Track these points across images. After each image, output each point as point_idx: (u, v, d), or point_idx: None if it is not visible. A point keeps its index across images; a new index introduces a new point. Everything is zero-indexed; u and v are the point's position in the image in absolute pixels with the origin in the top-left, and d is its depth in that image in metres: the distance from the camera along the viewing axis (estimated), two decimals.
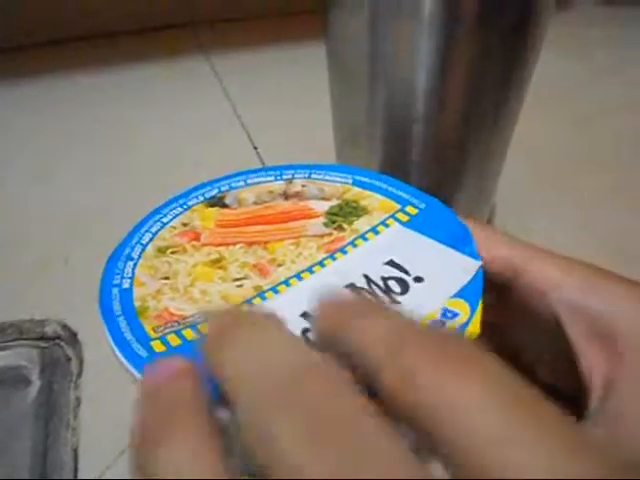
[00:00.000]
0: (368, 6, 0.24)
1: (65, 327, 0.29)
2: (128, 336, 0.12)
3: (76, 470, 0.23)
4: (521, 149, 0.36)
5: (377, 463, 0.07)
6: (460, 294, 0.13)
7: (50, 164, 0.41)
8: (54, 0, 0.57)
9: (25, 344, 0.29)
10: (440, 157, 0.27)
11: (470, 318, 0.12)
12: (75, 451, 0.24)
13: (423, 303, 0.13)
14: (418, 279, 0.13)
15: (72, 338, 0.29)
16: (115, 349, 0.12)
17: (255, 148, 0.41)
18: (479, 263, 0.13)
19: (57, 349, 0.29)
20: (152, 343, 0.12)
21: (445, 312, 0.12)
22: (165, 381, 0.10)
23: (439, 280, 0.13)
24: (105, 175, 0.41)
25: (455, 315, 0.12)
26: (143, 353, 0.12)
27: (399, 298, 0.13)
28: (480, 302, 0.12)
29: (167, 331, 0.12)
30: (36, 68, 0.54)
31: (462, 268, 0.13)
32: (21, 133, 0.44)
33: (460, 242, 0.14)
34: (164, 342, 0.12)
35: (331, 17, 0.27)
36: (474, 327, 0.12)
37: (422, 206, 0.16)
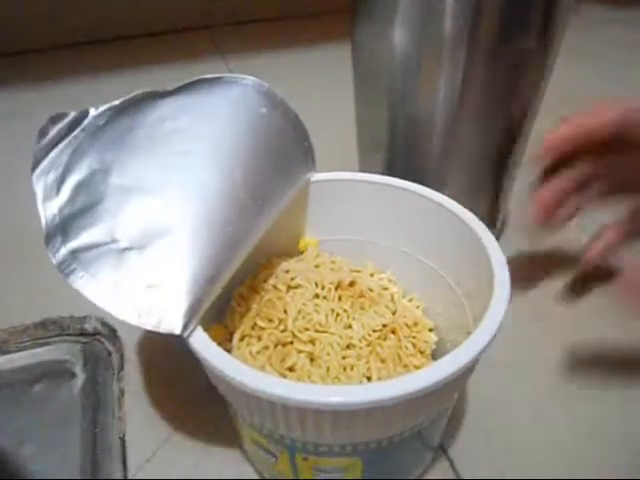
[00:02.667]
0: (396, 24, 0.25)
1: (104, 324, 0.31)
2: None
3: (124, 456, 0.25)
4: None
5: None
6: None
7: None
8: (67, 6, 0.58)
9: (67, 340, 0.31)
10: (459, 168, 0.29)
11: None
12: (122, 438, 0.26)
13: None
14: None
15: (112, 334, 0.31)
16: None
17: None
18: None
19: (98, 344, 0.31)
20: None
21: None
22: None
23: None
24: None
25: None
26: None
27: None
28: None
29: None
30: (50, 71, 0.56)
31: None
32: None
33: None
34: None
35: (358, 28, 0.28)
36: None
37: None
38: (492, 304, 0.20)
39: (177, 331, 0.18)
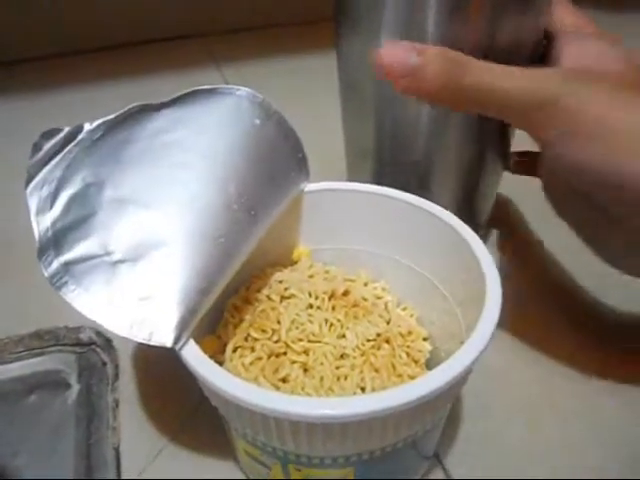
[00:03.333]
0: (381, 34, 0.26)
1: (99, 334, 0.31)
2: None
3: (119, 467, 0.25)
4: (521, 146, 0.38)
5: None
6: None
7: None
8: (59, 13, 0.58)
9: (62, 350, 0.31)
10: (445, 173, 0.29)
11: None
12: (116, 449, 0.26)
13: None
14: None
15: (107, 344, 0.31)
16: None
17: None
18: None
19: (93, 354, 0.31)
20: None
21: None
22: None
23: None
24: None
25: None
26: None
27: None
28: None
29: None
30: (44, 81, 0.56)
31: None
32: None
33: None
34: None
35: (343, 39, 0.28)
36: None
37: None
38: (484, 313, 0.20)
39: (168, 344, 0.18)
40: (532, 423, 0.26)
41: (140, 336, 0.18)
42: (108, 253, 0.19)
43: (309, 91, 0.53)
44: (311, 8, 0.63)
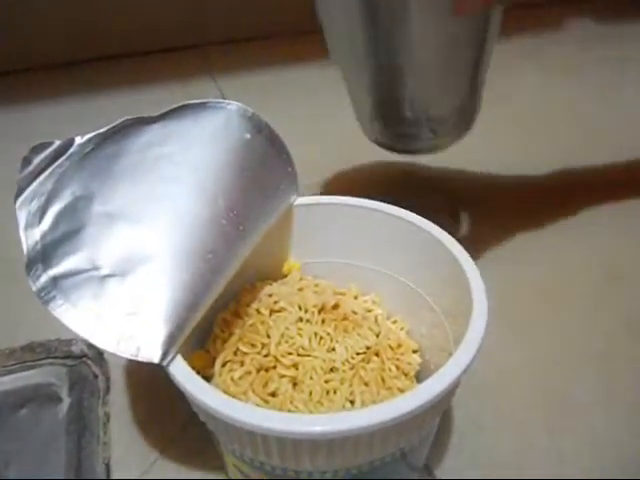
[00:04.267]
0: None
1: (91, 346, 0.31)
2: None
3: None
4: (515, 163, 0.38)
5: None
6: None
7: None
8: (55, 23, 0.58)
9: (54, 363, 0.31)
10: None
11: None
12: (107, 465, 0.26)
13: None
14: None
15: (98, 357, 0.31)
16: None
17: None
18: None
19: (84, 367, 0.31)
20: None
21: None
22: None
23: None
24: None
25: None
26: None
27: None
28: None
29: None
30: (43, 91, 0.56)
31: None
32: None
33: None
34: None
35: None
36: None
37: None
38: (471, 324, 0.20)
39: (156, 360, 0.18)
40: (523, 435, 0.26)
41: (127, 352, 0.18)
42: (96, 268, 0.19)
43: (306, 102, 0.53)
44: (307, 19, 0.64)
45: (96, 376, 0.30)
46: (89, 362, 0.31)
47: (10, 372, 0.30)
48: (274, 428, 0.16)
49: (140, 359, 0.18)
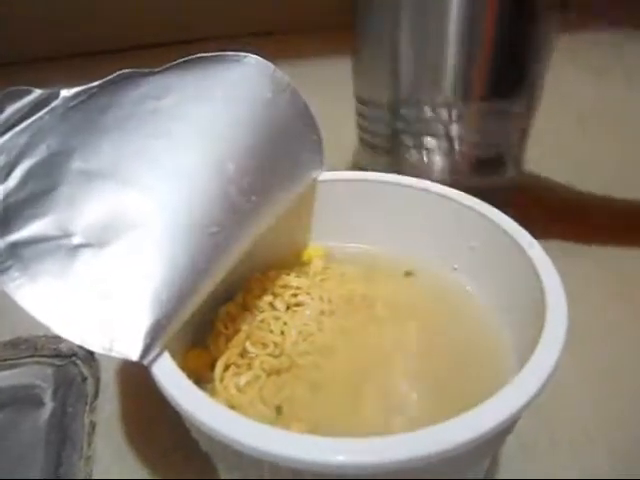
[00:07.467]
0: None
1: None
2: None
3: None
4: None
5: None
6: None
7: None
8: (55, 17, 0.57)
9: (39, 361, 0.28)
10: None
11: None
12: None
13: None
14: None
15: (89, 356, 0.27)
16: None
17: None
18: None
19: (72, 368, 0.27)
20: None
21: None
22: None
23: None
24: None
25: None
26: None
27: None
28: None
29: None
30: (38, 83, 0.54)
31: None
32: None
33: None
34: None
35: None
36: None
37: None
38: (542, 339, 0.15)
39: (134, 357, 0.14)
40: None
41: (97, 345, 0.14)
42: (67, 235, 0.16)
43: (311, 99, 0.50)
44: (313, 16, 0.62)
45: (85, 378, 0.27)
46: (78, 362, 0.27)
47: None
48: (287, 456, 0.12)
49: (114, 355, 0.14)
